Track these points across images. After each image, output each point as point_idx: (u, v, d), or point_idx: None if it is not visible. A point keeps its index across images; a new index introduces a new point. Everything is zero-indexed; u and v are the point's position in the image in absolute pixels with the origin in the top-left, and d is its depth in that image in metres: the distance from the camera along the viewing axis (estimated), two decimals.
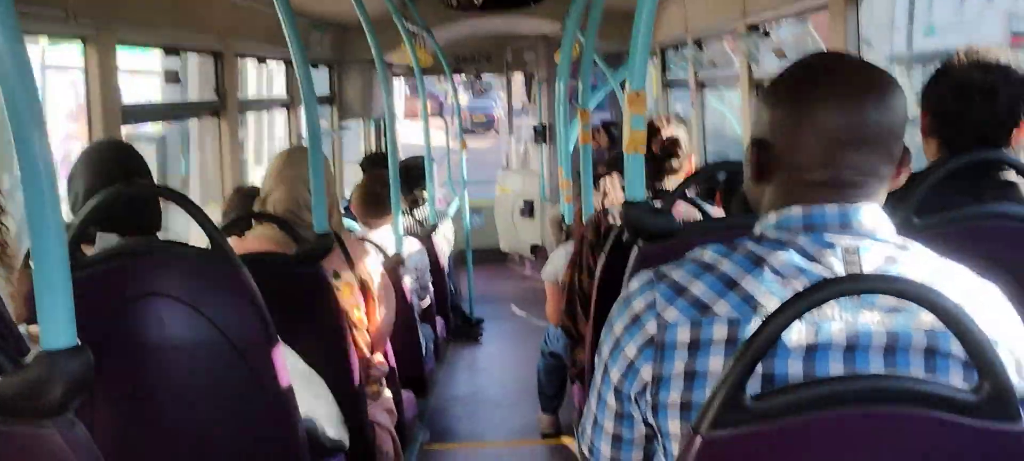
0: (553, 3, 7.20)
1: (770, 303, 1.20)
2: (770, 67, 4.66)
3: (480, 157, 15.82)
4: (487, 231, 10.11)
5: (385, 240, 4.84)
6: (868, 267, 1.22)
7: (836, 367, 1.19)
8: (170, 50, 4.27)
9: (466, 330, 7.37)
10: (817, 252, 1.24)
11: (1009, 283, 1.38)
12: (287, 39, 2.96)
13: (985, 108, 2.03)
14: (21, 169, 1.34)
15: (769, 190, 1.33)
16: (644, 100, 2.22)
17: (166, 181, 7.48)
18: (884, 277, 1.18)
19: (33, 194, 1.35)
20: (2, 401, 1.34)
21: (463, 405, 5.86)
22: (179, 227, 4.60)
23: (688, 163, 3.21)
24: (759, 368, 1.15)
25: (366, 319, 3.21)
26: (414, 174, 6.47)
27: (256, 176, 5.48)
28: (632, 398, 1.30)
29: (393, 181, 4.89)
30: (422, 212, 6.45)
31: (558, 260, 4.16)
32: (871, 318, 1.20)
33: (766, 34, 4.60)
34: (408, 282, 4.73)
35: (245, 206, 3.59)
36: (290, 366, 2.46)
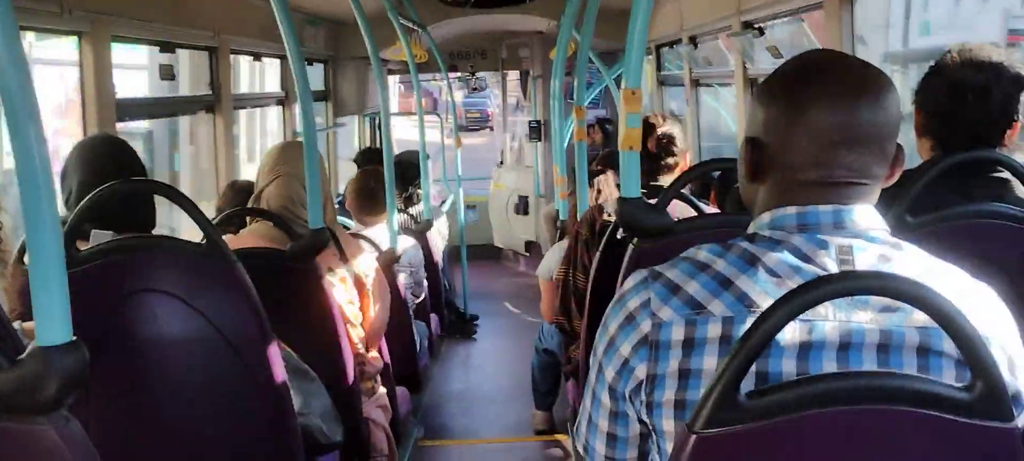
0: (548, 0, 7.20)
1: (764, 302, 1.20)
2: (765, 65, 4.66)
3: (475, 153, 15.83)
4: (481, 227, 10.11)
5: (379, 236, 4.84)
6: (862, 266, 1.23)
7: (829, 365, 1.19)
8: (164, 46, 4.25)
9: (460, 326, 7.37)
10: (811, 251, 1.24)
11: (1002, 282, 1.39)
12: (282, 35, 2.96)
13: (978, 107, 2.03)
14: (17, 165, 1.34)
15: (763, 189, 1.33)
16: (639, 98, 2.22)
17: (153, 177, 7.46)
18: (877, 276, 1.18)
19: (29, 190, 1.35)
20: None
21: (457, 402, 5.86)
22: (174, 223, 4.60)
23: (683, 160, 3.22)
24: (753, 366, 1.15)
25: (360, 315, 3.21)
26: (409, 170, 6.46)
27: (248, 172, 5.48)
28: (627, 396, 1.31)
29: (388, 177, 4.88)
30: (417, 208, 6.45)
31: (552, 257, 4.16)
32: (864, 317, 1.20)
33: (761, 32, 4.61)
34: (402, 278, 4.73)
35: (239, 202, 3.59)
36: (285, 362, 2.46)
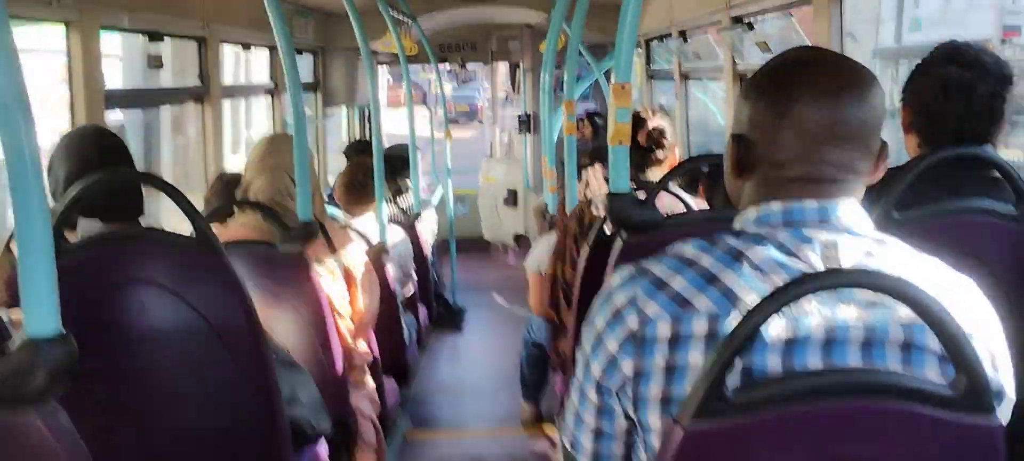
0: None
1: (749, 298, 1.21)
2: (754, 60, 4.68)
3: (464, 146, 15.80)
4: (470, 220, 10.11)
5: (368, 228, 4.84)
6: (846, 262, 1.24)
7: (814, 361, 1.20)
8: (153, 35, 4.23)
9: (448, 319, 7.37)
10: (796, 247, 1.25)
11: (987, 277, 1.40)
12: (272, 25, 2.95)
13: (963, 104, 2.04)
14: (6, 155, 1.34)
15: (748, 185, 1.34)
16: (629, 93, 2.23)
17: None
18: (861, 272, 1.19)
19: (18, 180, 1.35)
20: None
21: (445, 394, 5.87)
22: (156, 212, 4.58)
23: (672, 155, 3.22)
24: (739, 362, 1.16)
25: (349, 307, 3.21)
26: (398, 162, 6.46)
27: (233, 164, 5.46)
28: (613, 392, 1.31)
29: (377, 169, 4.88)
30: (406, 200, 6.44)
31: (541, 250, 4.16)
32: (849, 312, 1.21)
33: (750, 27, 4.62)
34: (391, 270, 4.73)
35: (227, 193, 3.58)
36: (273, 353, 2.46)
